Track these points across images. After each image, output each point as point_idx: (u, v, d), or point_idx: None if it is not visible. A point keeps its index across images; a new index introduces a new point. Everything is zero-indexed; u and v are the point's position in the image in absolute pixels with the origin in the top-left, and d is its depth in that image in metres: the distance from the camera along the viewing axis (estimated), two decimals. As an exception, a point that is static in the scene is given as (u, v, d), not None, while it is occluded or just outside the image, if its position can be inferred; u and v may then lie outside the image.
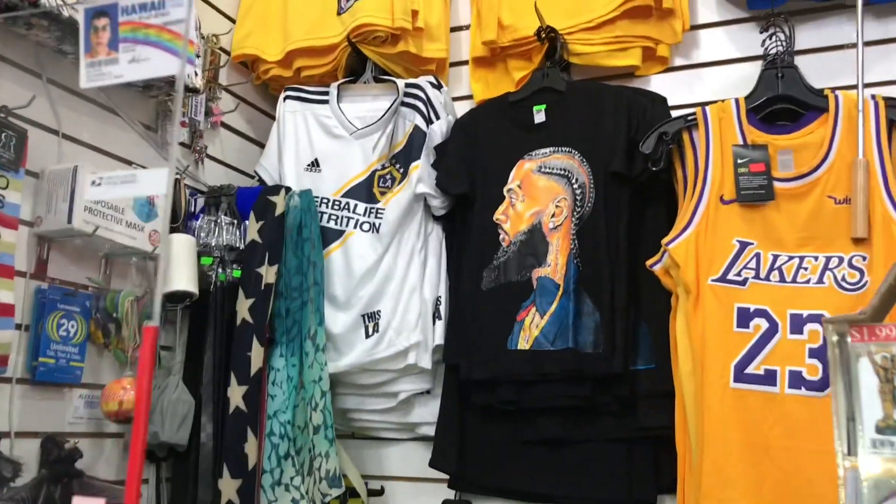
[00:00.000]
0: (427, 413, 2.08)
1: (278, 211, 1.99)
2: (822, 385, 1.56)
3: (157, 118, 1.99)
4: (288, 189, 2.05)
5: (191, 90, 1.94)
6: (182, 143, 2.08)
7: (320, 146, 2.16)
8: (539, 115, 2.01)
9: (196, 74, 1.92)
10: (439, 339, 2.03)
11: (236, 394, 1.87)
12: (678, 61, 2.06)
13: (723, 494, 1.55)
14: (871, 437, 0.90)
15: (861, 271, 1.59)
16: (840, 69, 1.82)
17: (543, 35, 2.00)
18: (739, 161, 1.68)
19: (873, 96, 1.67)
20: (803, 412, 1.56)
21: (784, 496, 1.53)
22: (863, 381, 0.91)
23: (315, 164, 2.16)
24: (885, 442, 0.90)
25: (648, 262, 1.79)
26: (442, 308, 2.05)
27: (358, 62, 2.22)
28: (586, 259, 1.87)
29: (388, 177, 2.10)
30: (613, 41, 2.02)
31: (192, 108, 2.07)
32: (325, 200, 2.11)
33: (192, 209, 2.05)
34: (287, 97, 2.21)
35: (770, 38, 1.79)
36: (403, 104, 2.11)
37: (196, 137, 2.11)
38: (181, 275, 1.88)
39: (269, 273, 1.95)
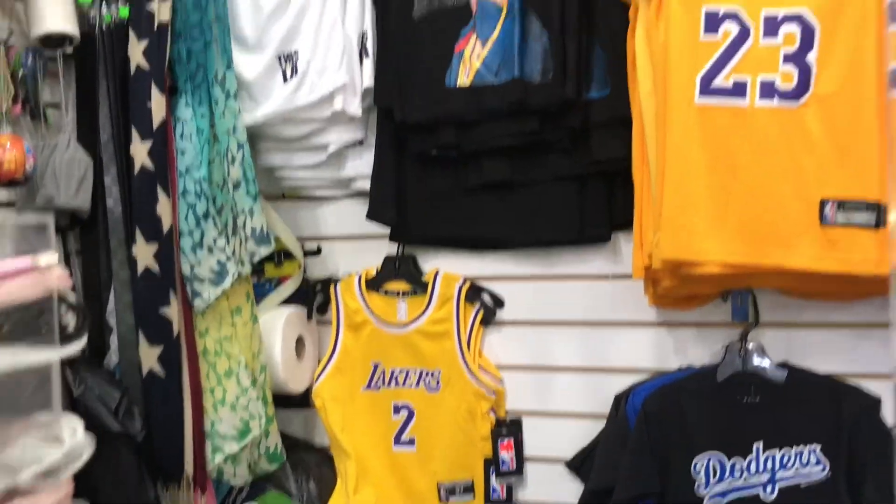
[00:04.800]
0: (362, 165, 1.88)
1: (165, -66, 1.67)
2: (797, 94, 1.39)
3: None
4: None
5: None
6: None
7: None
8: None
9: None
10: (368, 80, 1.79)
11: (140, 151, 1.64)
12: None
13: (684, 219, 1.41)
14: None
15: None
16: None
17: None
18: None
19: None
20: (774, 126, 1.40)
21: (751, 218, 1.40)
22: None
23: None
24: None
25: (604, -30, 1.54)
26: (369, 44, 1.79)
27: None
28: (532, -28, 1.61)
29: None
30: None
31: None
32: (220, -80, 1.77)
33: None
34: None
35: None
36: None
37: None
38: (54, 13, 1.58)
39: (161, 9, 1.66)
